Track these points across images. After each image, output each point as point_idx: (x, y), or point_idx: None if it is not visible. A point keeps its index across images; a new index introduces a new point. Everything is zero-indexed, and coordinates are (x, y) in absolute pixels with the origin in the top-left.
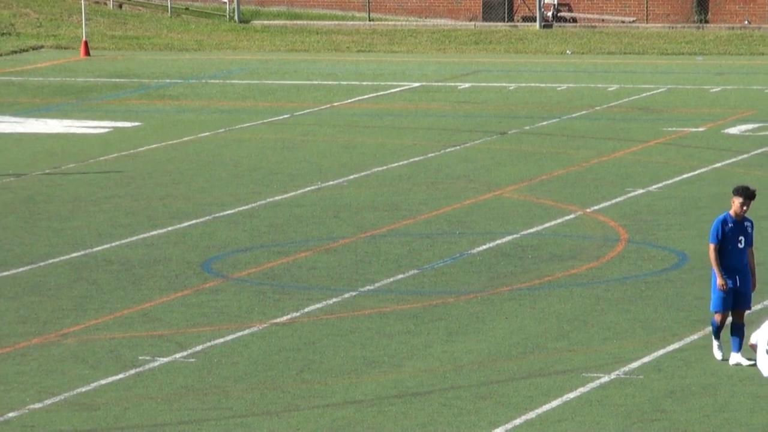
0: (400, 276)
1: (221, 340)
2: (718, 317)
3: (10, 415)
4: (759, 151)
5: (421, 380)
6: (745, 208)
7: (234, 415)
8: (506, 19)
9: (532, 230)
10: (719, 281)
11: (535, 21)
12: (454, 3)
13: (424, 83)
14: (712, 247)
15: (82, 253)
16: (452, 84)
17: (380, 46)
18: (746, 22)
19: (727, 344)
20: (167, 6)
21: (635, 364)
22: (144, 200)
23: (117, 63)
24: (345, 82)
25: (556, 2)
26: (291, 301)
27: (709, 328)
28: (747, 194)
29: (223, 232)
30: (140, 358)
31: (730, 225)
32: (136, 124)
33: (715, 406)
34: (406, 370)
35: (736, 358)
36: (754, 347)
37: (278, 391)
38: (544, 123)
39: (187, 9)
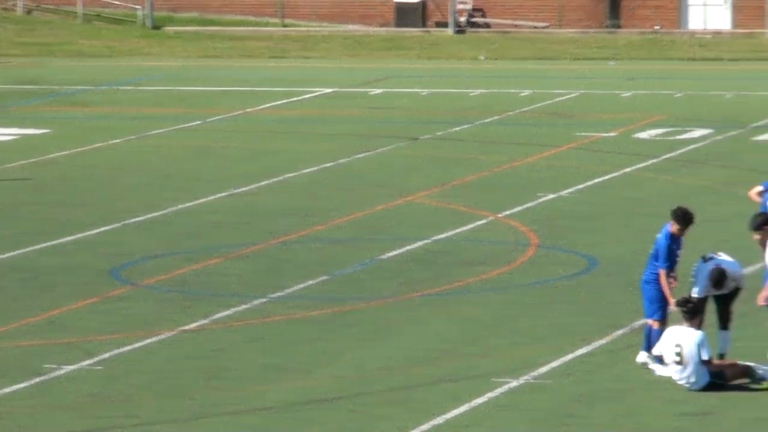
0: (311, 282)
1: (129, 347)
2: (656, 325)
3: None
4: (669, 155)
5: (330, 386)
6: (683, 233)
7: (142, 423)
8: (419, 25)
9: (443, 235)
10: (672, 302)
11: (448, 26)
12: (367, 9)
13: (336, 89)
14: (664, 272)
15: None
16: (365, 90)
17: (293, 52)
18: (657, 27)
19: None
20: (78, 12)
21: (544, 369)
22: (54, 207)
23: (27, 70)
24: (258, 88)
25: (469, 7)
26: (200, 308)
27: (618, 332)
28: (685, 222)
29: (134, 239)
30: (45, 366)
31: (673, 246)
32: (45, 131)
33: (624, 410)
34: (316, 376)
35: (643, 356)
36: (660, 357)
37: (187, 399)
38: (457, 128)
39: (98, 15)
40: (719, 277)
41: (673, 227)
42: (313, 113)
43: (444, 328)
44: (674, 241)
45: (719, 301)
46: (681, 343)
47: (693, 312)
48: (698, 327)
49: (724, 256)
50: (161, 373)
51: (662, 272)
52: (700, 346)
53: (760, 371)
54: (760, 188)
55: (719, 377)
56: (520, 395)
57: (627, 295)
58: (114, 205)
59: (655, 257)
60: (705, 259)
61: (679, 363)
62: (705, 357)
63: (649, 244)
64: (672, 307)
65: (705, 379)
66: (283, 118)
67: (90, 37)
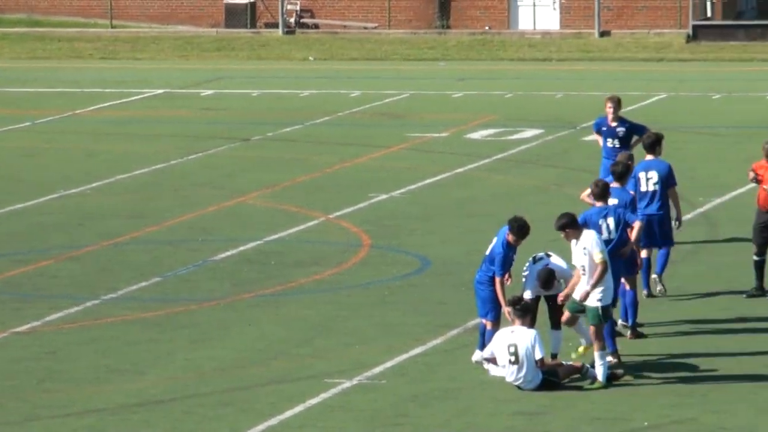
0: (144, 284)
1: None
2: (489, 325)
3: None
4: (500, 155)
5: (164, 388)
6: (519, 243)
7: None
8: (249, 26)
9: (275, 236)
10: (506, 310)
11: (277, 27)
12: (196, 10)
13: (167, 90)
14: (500, 279)
15: None
16: (195, 91)
17: (123, 53)
18: (487, 27)
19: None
20: None
21: (378, 369)
22: None
23: None
24: (88, 90)
25: (298, 8)
26: (32, 310)
27: (452, 332)
28: (521, 235)
29: None
30: None
31: (510, 254)
32: None
33: (457, 409)
34: (149, 378)
35: (478, 355)
36: (488, 360)
37: (19, 401)
38: (288, 129)
39: None
40: (548, 277)
41: (509, 236)
42: (144, 114)
43: (277, 328)
44: (511, 248)
45: (550, 301)
46: (515, 343)
47: (524, 311)
48: (530, 326)
49: (554, 258)
50: None
51: (498, 279)
52: (534, 344)
53: (592, 370)
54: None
55: (553, 375)
56: (353, 395)
57: (460, 295)
58: None
59: (491, 261)
60: (535, 260)
61: (514, 363)
62: (539, 355)
63: (481, 245)
64: (505, 312)
65: (538, 378)
66: (114, 119)
67: None
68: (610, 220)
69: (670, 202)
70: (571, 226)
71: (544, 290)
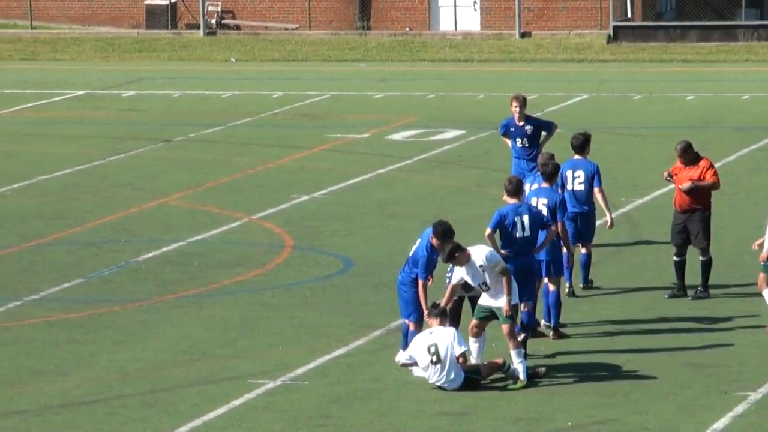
0: (66, 285)
1: None
2: (412, 326)
3: None
4: (422, 156)
5: (87, 389)
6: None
7: None
8: (170, 27)
9: (197, 237)
10: (426, 314)
11: (198, 28)
12: (117, 11)
13: (88, 91)
14: (422, 282)
15: None
16: (116, 92)
17: (43, 54)
18: (408, 29)
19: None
20: None
21: (301, 370)
22: None
23: None
24: (7, 91)
25: (219, 10)
26: None
27: (374, 333)
28: (445, 239)
29: None
30: None
31: (433, 257)
32: None
33: (380, 410)
34: (72, 379)
35: (402, 356)
36: (407, 365)
37: None
38: (209, 130)
39: None
40: (456, 249)
41: (433, 240)
42: (65, 115)
43: (199, 330)
44: (434, 251)
45: (473, 302)
46: (435, 343)
47: (442, 313)
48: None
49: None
50: None
51: (421, 282)
52: (453, 341)
53: (513, 367)
54: None
55: (475, 373)
56: (276, 396)
57: (382, 296)
58: None
59: (414, 262)
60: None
61: (436, 362)
62: (459, 351)
63: (403, 245)
64: (426, 317)
65: (461, 377)
66: (35, 120)
67: None
68: (525, 218)
69: (596, 203)
70: (459, 250)
71: (466, 291)
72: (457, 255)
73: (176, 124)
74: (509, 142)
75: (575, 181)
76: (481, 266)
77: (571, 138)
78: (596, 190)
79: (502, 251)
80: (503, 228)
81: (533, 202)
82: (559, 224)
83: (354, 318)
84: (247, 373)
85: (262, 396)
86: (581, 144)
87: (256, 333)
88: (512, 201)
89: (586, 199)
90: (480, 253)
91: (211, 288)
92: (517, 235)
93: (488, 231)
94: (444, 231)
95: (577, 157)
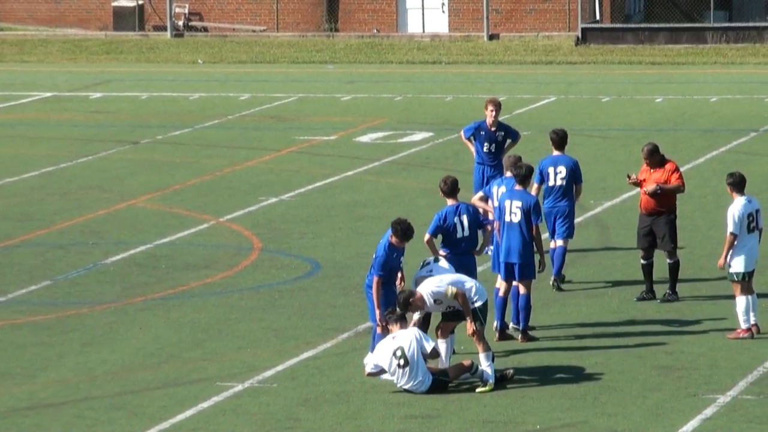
0: (34, 287)
1: None
2: (380, 329)
3: None
4: (389, 158)
5: (54, 391)
6: (403, 245)
7: None
8: (137, 29)
9: (165, 240)
10: (378, 315)
11: (166, 30)
12: (84, 13)
13: (55, 93)
14: (378, 280)
15: None
16: (84, 94)
17: (10, 56)
18: (375, 30)
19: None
20: None
21: (269, 373)
22: None
23: None
24: None
25: (187, 11)
26: None
27: (342, 336)
28: (404, 238)
29: None
30: None
31: (392, 256)
32: None
33: (348, 413)
34: (40, 381)
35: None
36: (373, 374)
37: None
38: (177, 132)
39: None
40: (406, 298)
41: (392, 238)
42: (32, 117)
43: (167, 332)
44: (393, 250)
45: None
46: (401, 346)
47: (401, 318)
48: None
49: (442, 262)
50: None
51: (376, 279)
52: (419, 340)
53: (481, 369)
54: (481, 194)
55: (443, 375)
56: (245, 399)
57: (350, 298)
58: None
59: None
60: (423, 264)
61: (404, 365)
62: (429, 347)
63: (371, 248)
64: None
65: (429, 379)
66: (2, 122)
67: None
68: (464, 218)
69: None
70: (411, 296)
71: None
72: (412, 300)
73: (144, 126)
74: (473, 146)
75: (557, 176)
76: (435, 301)
77: (550, 133)
78: (577, 186)
79: (442, 252)
80: (444, 230)
81: (507, 204)
82: (534, 227)
83: (322, 320)
84: (215, 376)
85: (230, 399)
86: (561, 139)
87: (224, 335)
88: (450, 202)
89: (566, 194)
90: (426, 295)
91: (179, 290)
92: (458, 235)
93: (427, 236)
94: (403, 230)
95: (556, 153)
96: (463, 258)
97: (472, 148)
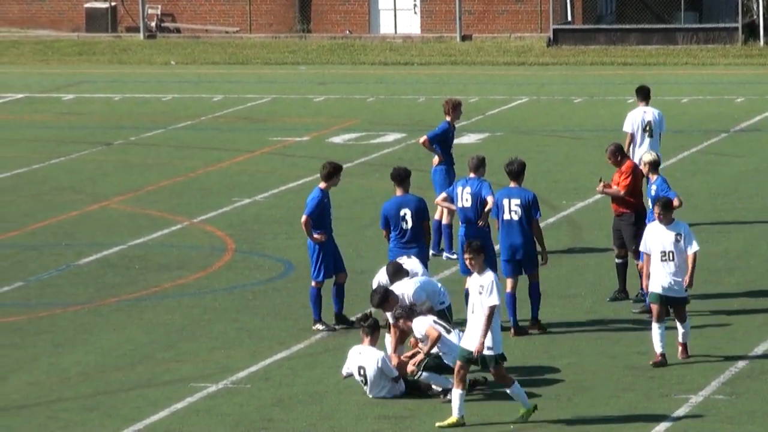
0: (6, 288)
1: None
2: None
3: None
4: (362, 159)
5: (27, 393)
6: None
7: None
8: (110, 30)
9: (139, 241)
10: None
11: (139, 31)
12: (56, 14)
13: (27, 94)
14: (306, 219)
15: None
16: (56, 95)
17: None
18: (348, 32)
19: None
20: None
21: (243, 374)
22: None
23: None
24: None
25: (159, 13)
26: None
27: (316, 336)
28: (328, 177)
29: None
30: None
31: (324, 201)
32: None
33: (322, 414)
34: (12, 383)
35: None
36: (350, 376)
37: None
38: (150, 133)
39: None
40: (383, 295)
41: (321, 184)
42: (4, 119)
43: (141, 333)
44: (323, 193)
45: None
46: (364, 366)
47: (372, 328)
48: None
49: (413, 260)
50: None
51: (304, 218)
52: (382, 368)
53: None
54: (444, 195)
55: (415, 387)
56: (219, 400)
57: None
58: None
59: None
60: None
61: (365, 384)
62: (394, 374)
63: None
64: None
65: (401, 389)
66: None
67: None
68: (406, 211)
69: None
70: (387, 294)
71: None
72: (386, 302)
73: (117, 128)
74: (438, 149)
75: (512, 212)
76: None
77: (505, 165)
78: (534, 220)
79: (390, 244)
80: (390, 222)
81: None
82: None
83: (296, 321)
84: (188, 377)
85: (204, 399)
86: (518, 170)
87: (198, 336)
88: (398, 192)
89: (523, 229)
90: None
91: (152, 291)
92: (404, 227)
93: (384, 232)
94: (329, 173)
95: (513, 184)
96: (409, 250)
97: (437, 151)
